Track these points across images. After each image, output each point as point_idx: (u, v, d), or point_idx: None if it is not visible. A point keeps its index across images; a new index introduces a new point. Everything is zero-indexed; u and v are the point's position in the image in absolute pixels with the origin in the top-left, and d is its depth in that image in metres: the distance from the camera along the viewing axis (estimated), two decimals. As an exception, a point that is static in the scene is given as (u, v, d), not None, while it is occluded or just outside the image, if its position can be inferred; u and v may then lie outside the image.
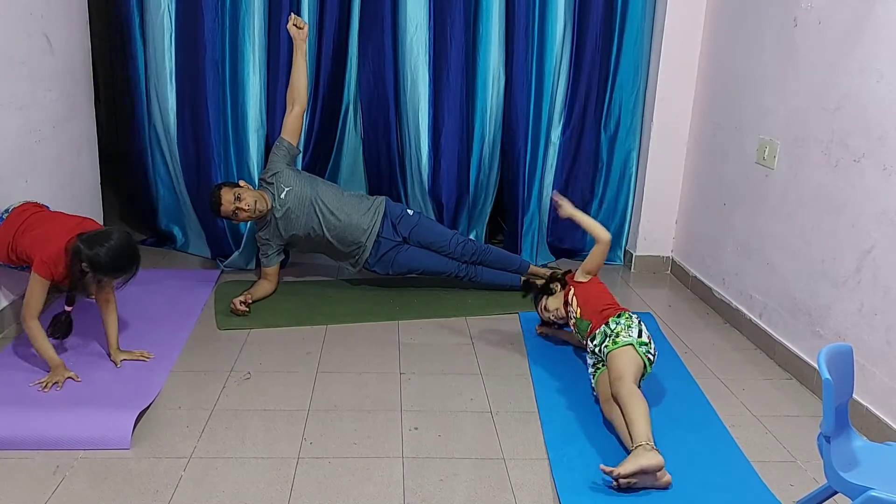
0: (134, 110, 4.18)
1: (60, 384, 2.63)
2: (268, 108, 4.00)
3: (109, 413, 2.45)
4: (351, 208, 3.63)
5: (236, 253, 4.06)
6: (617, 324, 2.65)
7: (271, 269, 3.66)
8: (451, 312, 3.54)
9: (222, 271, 4.02)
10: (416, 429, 2.52)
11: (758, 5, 3.37)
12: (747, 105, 3.44)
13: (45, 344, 2.67)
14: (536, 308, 3.11)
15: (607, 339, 2.62)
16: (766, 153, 3.25)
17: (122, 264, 2.64)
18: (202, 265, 4.15)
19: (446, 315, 3.51)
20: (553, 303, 3.00)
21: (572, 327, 2.92)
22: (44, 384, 2.61)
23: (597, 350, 2.68)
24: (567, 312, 2.93)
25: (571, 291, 2.90)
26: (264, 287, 3.63)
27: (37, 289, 2.64)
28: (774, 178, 3.21)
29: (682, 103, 4.01)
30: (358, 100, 4.22)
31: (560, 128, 4.18)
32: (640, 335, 2.60)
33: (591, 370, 2.75)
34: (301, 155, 4.12)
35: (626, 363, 2.51)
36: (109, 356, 2.86)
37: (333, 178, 4.40)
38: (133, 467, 2.25)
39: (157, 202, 4.36)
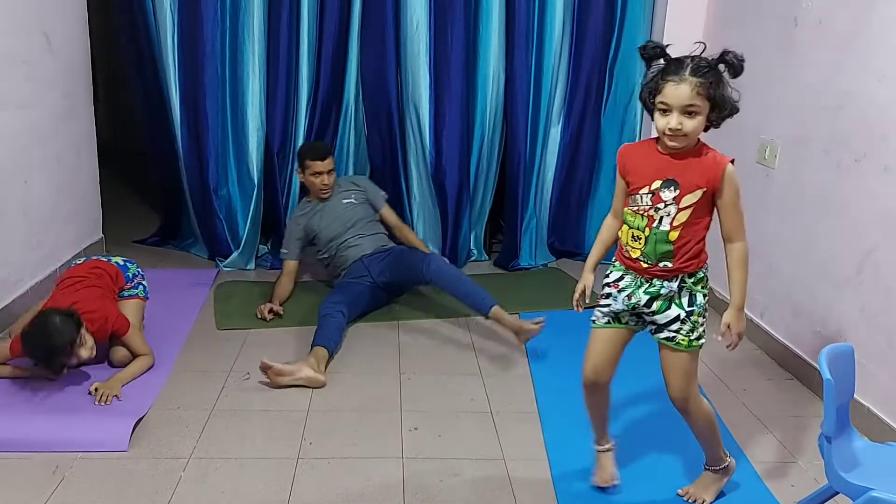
0: (152, 110, 4.17)
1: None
2: (268, 108, 4.00)
3: (109, 416, 2.45)
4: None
5: (236, 253, 4.06)
6: (703, 297, 1.95)
7: (292, 265, 3.65)
8: (451, 312, 3.53)
9: (220, 271, 4.01)
10: (416, 429, 2.51)
11: (758, 5, 3.37)
12: (748, 105, 3.38)
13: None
14: (651, 89, 1.84)
15: (686, 322, 1.93)
16: (767, 153, 3.24)
17: (35, 351, 2.55)
18: (201, 265, 4.14)
19: (446, 315, 3.50)
20: (691, 125, 1.81)
21: (644, 228, 1.91)
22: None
23: (648, 315, 1.96)
24: (654, 207, 1.89)
25: (697, 194, 1.86)
26: (286, 287, 3.61)
27: None
28: (775, 178, 3.20)
29: (683, 103, 4.00)
30: (359, 98, 4.22)
31: (560, 126, 4.18)
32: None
33: (601, 318, 2.04)
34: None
35: (693, 372, 1.98)
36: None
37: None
38: (132, 468, 2.24)
39: (177, 202, 4.36)
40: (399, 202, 4.24)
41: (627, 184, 1.96)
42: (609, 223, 2.09)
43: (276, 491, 2.15)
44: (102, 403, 2.54)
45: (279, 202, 4.13)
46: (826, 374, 1.70)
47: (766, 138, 3.26)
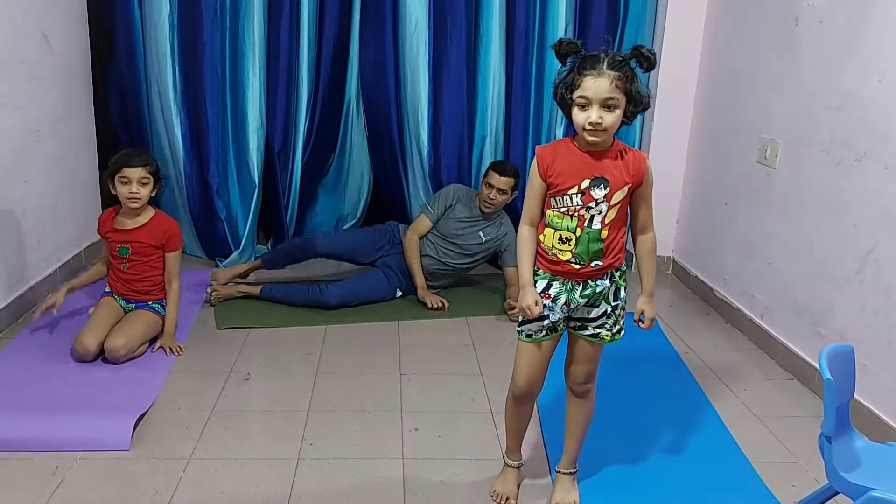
0: (137, 110, 4.16)
1: None
2: (267, 108, 4.00)
3: (109, 416, 2.45)
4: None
5: (235, 253, 4.05)
6: (624, 290, 1.99)
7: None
8: (450, 313, 3.53)
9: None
10: (416, 429, 2.51)
11: (759, 4, 3.36)
12: (749, 104, 3.44)
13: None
14: (568, 84, 1.83)
15: (611, 317, 1.97)
16: (768, 152, 3.24)
17: (120, 157, 2.94)
18: (201, 265, 4.14)
19: (446, 315, 3.50)
20: (610, 119, 1.80)
21: (574, 228, 1.88)
22: None
23: (583, 313, 1.97)
24: (585, 206, 1.87)
25: (624, 190, 1.89)
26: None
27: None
28: (776, 177, 3.20)
29: (683, 103, 4.00)
30: (360, 97, 4.22)
31: (563, 126, 4.18)
32: None
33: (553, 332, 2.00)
34: (301, 152, 4.12)
35: (600, 359, 2.07)
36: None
37: (337, 175, 4.42)
38: (132, 468, 2.24)
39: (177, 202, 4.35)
40: (400, 202, 4.24)
41: (549, 185, 1.90)
42: (527, 234, 1.96)
43: (276, 491, 2.15)
44: (176, 354, 2.94)
45: (279, 202, 4.13)
46: (826, 374, 1.70)
47: (767, 138, 3.26)
